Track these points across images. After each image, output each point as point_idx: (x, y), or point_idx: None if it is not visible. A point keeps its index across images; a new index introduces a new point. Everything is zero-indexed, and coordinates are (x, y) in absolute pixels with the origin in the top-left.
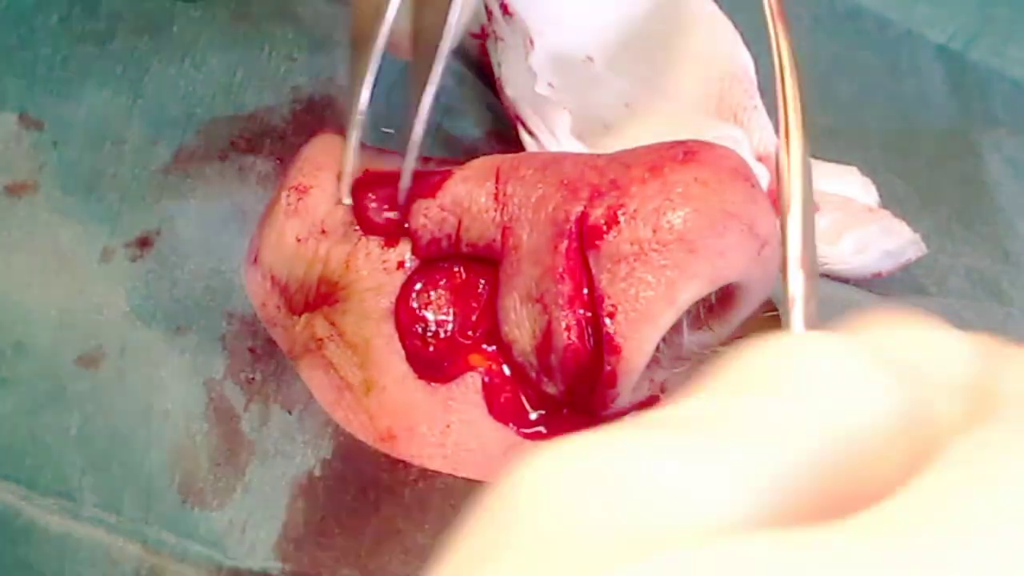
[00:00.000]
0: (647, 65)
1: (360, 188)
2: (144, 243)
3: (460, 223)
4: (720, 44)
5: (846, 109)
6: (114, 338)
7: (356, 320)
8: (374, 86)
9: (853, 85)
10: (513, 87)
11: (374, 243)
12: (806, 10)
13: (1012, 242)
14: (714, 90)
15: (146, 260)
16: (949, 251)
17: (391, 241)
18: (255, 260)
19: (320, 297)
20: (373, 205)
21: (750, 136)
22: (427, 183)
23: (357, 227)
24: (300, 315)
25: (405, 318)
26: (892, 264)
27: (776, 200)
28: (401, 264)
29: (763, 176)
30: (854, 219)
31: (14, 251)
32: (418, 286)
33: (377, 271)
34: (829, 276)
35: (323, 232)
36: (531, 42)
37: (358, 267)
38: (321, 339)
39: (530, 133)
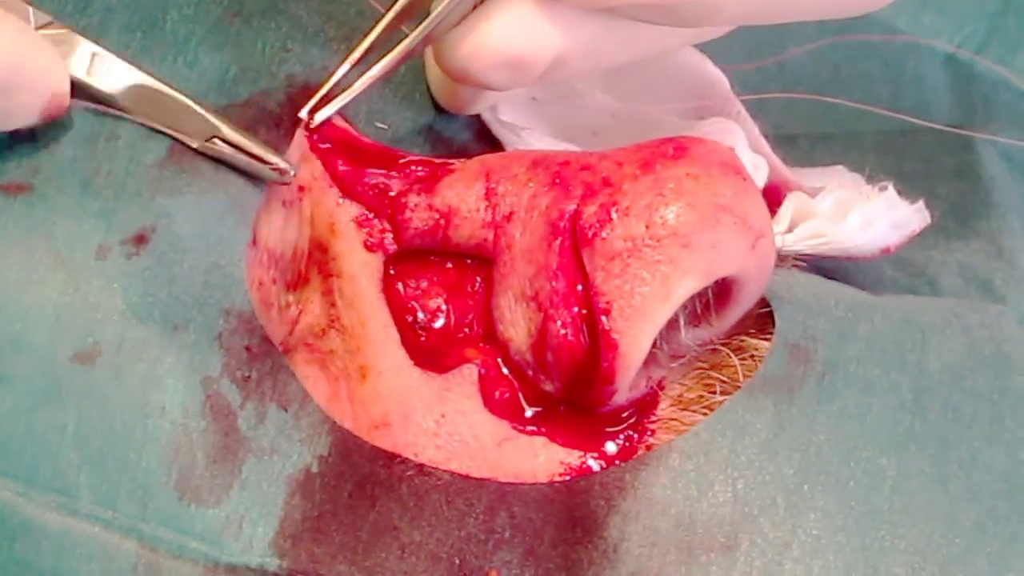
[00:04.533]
0: (625, 86)
1: (333, 146)
2: (140, 240)
3: (449, 224)
4: (689, 64)
5: (847, 116)
6: (110, 335)
7: (351, 302)
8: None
9: (857, 95)
10: (485, 110)
11: (355, 210)
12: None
13: (1006, 238)
14: (693, 105)
15: (142, 257)
16: (942, 247)
17: (376, 212)
18: (254, 241)
19: (313, 263)
20: (346, 168)
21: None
22: (419, 180)
23: (333, 185)
24: (296, 291)
25: (400, 311)
26: (899, 236)
27: (775, 193)
28: (384, 240)
29: (761, 168)
30: (858, 197)
31: (9, 249)
32: (417, 283)
33: (361, 244)
34: (837, 257)
35: (301, 189)
36: None
37: (343, 233)
38: (316, 328)
39: None
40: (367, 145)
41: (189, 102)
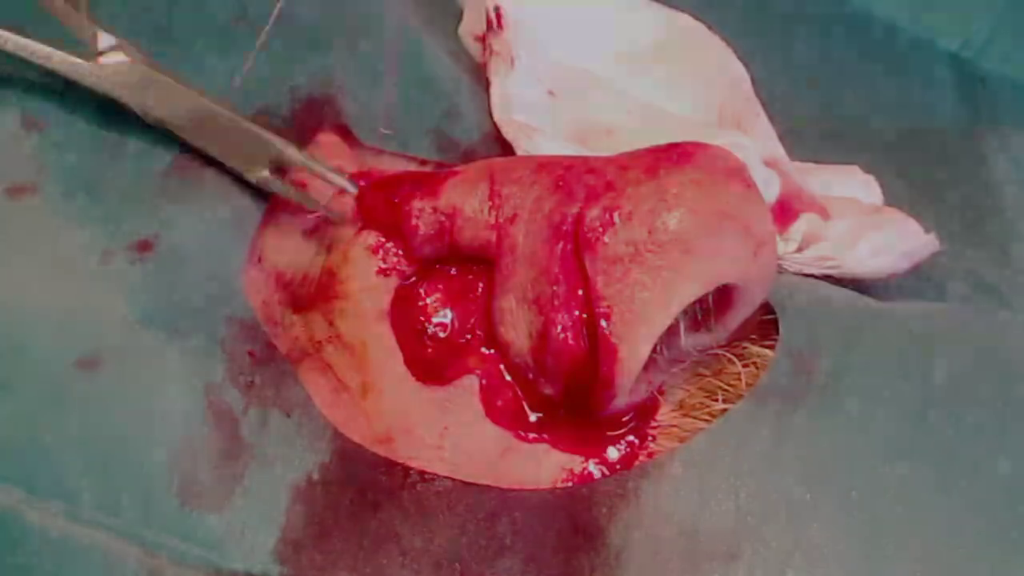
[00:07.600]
0: (647, 81)
1: (367, 184)
2: (144, 247)
3: (454, 226)
4: (714, 57)
5: (853, 117)
6: (114, 341)
7: (352, 322)
8: (374, 86)
9: (861, 93)
10: (498, 108)
11: (372, 239)
12: (816, 17)
13: (1014, 245)
14: (714, 101)
15: (146, 264)
16: (950, 253)
17: (389, 239)
18: (259, 260)
19: (321, 289)
20: (377, 203)
21: (755, 144)
22: (423, 185)
23: (359, 219)
24: (300, 313)
25: (403, 320)
26: (907, 264)
27: (786, 205)
28: (396, 265)
29: (773, 182)
30: (870, 224)
31: (14, 253)
32: (421, 290)
33: (372, 270)
34: (845, 279)
35: (328, 220)
36: (512, 61)
37: (355, 260)
38: (319, 341)
39: None
40: (402, 176)
41: (252, 127)
